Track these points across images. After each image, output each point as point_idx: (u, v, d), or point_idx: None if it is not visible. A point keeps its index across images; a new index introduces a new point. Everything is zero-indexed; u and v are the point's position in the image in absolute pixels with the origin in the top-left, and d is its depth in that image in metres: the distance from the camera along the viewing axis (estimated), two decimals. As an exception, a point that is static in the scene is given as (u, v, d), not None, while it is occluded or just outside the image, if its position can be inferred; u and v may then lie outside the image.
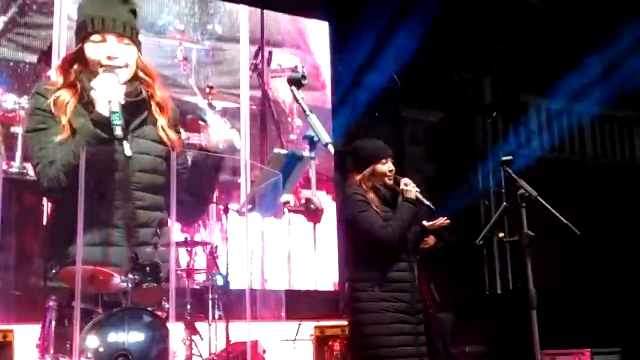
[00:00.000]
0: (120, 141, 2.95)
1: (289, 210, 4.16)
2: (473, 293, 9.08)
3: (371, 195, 3.97)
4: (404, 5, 8.16)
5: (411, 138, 10.02)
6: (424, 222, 6.31)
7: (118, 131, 2.88)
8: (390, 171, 4.04)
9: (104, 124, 2.92)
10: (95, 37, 3.10)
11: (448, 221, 4.15)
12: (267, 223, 7.59)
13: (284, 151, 3.74)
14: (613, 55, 9.13)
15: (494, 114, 10.16)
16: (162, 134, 3.33)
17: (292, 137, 8.27)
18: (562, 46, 9.23)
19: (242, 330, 5.67)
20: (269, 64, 8.28)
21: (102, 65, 3.08)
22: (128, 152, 3.01)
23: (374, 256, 3.91)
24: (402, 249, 3.97)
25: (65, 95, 3.05)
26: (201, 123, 3.48)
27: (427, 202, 3.88)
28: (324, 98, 8.65)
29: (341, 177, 8.73)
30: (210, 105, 7.83)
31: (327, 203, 8.16)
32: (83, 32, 3.12)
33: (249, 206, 4.63)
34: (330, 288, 8.22)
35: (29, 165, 6.46)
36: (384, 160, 4.06)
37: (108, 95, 2.93)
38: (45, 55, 6.96)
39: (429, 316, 6.15)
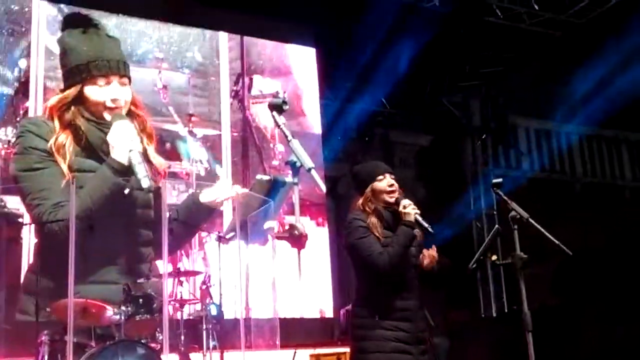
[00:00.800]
0: (148, 191, 2.95)
1: (273, 237, 4.14)
2: (468, 316, 9.05)
3: (373, 220, 3.90)
4: (392, 29, 8.21)
5: (401, 162, 10.04)
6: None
7: (146, 183, 2.87)
8: (390, 186, 3.99)
9: (122, 171, 2.93)
10: (100, 80, 3.11)
11: (434, 252, 4.15)
12: (253, 250, 7.53)
13: (266, 177, 3.73)
14: (599, 75, 9.21)
15: (483, 136, 10.20)
16: (154, 161, 3.33)
17: (275, 163, 8.17)
18: (549, 68, 9.31)
19: (237, 360, 5.63)
20: (249, 90, 8.24)
21: (106, 108, 3.08)
22: (146, 183, 2.97)
23: (375, 283, 3.87)
24: (404, 276, 3.93)
25: (64, 138, 3.04)
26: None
27: (427, 225, 3.83)
28: (309, 123, 8.62)
29: (333, 203, 8.74)
30: (191, 133, 7.76)
31: (311, 229, 8.06)
32: (85, 74, 3.11)
33: (232, 234, 4.60)
34: (317, 315, 8.14)
35: (7, 198, 6.38)
36: (380, 177, 4.01)
37: (128, 144, 2.93)
38: (23, 87, 6.90)
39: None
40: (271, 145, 8.22)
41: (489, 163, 10.18)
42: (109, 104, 3.07)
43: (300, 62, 8.73)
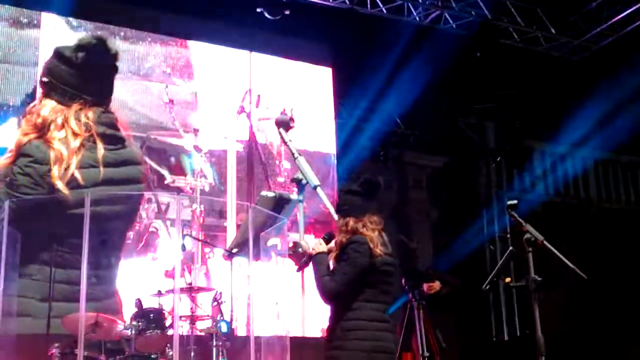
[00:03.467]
0: None
1: (276, 254, 4.15)
2: (480, 339, 8.98)
3: (374, 239, 4.01)
4: (408, 50, 8.23)
5: (415, 182, 10.02)
6: (424, 288, 6.32)
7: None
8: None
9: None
10: (86, 103, 3.12)
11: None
12: (263, 267, 7.53)
13: (271, 194, 3.73)
14: (615, 100, 9.18)
15: (498, 159, 10.17)
16: None
17: (280, 179, 8.15)
18: (565, 91, 9.29)
19: (247, 378, 5.60)
20: (257, 106, 8.23)
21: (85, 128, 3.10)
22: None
23: (352, 295, 3.93)
24: (379, 290, 4.01)
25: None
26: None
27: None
28: (323, 142, 8.61)
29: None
30: (197, 148, 7.76)
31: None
32: (77, 96, 3.11)
33: (236, 250, 4.60)
34: (318, 334, 8.07)
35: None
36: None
37: None
38: (30, 99, 6.86)
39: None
40: (277, 161, 8.23)
41: (503, 186, 10.14)
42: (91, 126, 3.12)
43: (315, 81, 8.74)
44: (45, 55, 6.95)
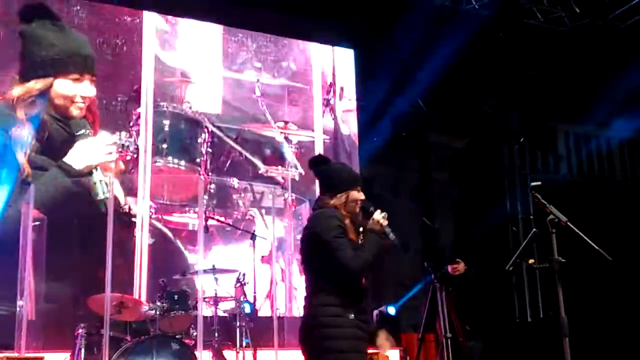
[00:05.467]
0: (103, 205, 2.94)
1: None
2: (503, 321, 8.97)
3: (348, 223, 3.92)
4: (430, 31, 8.18)
5: (437, 164, 9.99)
6: (449, 269, 6.30)
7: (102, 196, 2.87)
8: (361, 200, 4.00)
9: (75, 175, 2.95)
10: (74, 75, 3.11)
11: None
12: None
13: None
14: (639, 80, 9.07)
15: (521, 140, 10.11)
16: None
17: None
18: (588, 72, 9.18)
19: (270, 358, 5.64)
20: (340, 98, 8.59)
21: (73, 103, 3.10)
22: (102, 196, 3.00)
23: (345, 282, 3.86)
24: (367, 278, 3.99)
25: (25, 132, 3.04)
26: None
27: (393, 237, 3.81)
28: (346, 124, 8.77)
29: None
30: (287, 140, 8.11)
31: None
32: (59, 68, 3.10)
33: None
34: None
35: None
36: (359, 188, 4.03)
37: (91, 159, 2.91)
38: (136, 94, 7.24)
39: (459, 344, 6.08)
40: (359, 151, 8.65)
41: (527, 167, 10.08)
42: (78, 100, 3.09)
43: (341, 64, 8.85)
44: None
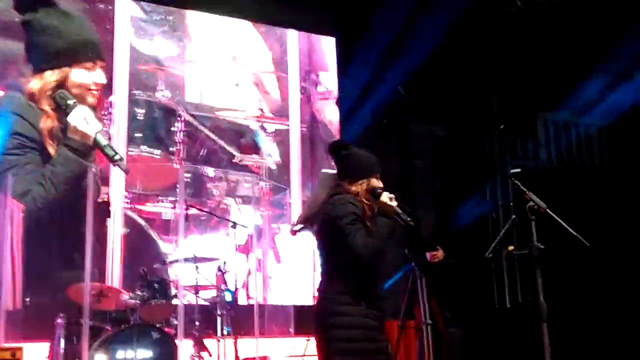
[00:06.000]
0: (125, 169, 2.93)
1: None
2: (482, 307, 9.03)
3: (367, 210, 3.89)
4: (411, 18, 8.18)
5: (418, 152, 10.01)
6: (427, 256, 6.32)
7: (120, 161, 2.89)
8: (381, 188, 3.98)
9: (82, 151, 2.94)
10: (88, 64, 3.10)
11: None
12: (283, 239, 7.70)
13: (332, 171, 3.78)
14: (620, 68, 9.12)
15: (501, 127, 10.14)
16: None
17: None
18: (568, 58, 9.23)
19: (251, 347, 5.65)
20: (316, 86, 8.57)
21: (89, 91, 3.09)
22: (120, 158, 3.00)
23: (357, 269, 3.83)
24: (382, 265, 3.93)
25: (51, 123, 3.04)
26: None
27: (407, 218, 3.80)
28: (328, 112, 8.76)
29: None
30: (262, 128, 8.07)
31: None
32: (74, 57, 3.09)
33: (300, 226, 4.66)
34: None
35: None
36: (378, 175, 4.01)
37: (94, 127, 2.93)
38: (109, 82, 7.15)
39: (439, 331, 6.12)
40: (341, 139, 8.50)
41: (506, 154, 10.13)
42: (93, 87, 3.08)
43: (319, 51, 8.82)
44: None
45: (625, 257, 9.33)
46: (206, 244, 7.15)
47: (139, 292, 4.56)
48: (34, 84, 3.08)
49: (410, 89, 9.42)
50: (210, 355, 5.68)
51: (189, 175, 7.42)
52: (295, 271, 7.78)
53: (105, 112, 6.91)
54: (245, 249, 7.29)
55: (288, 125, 8.30)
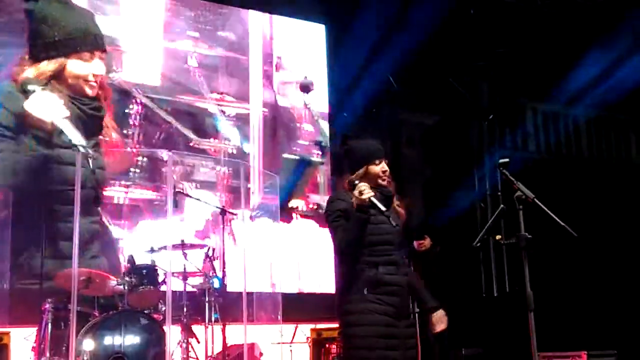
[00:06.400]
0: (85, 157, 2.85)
1: (299, 216, 4.15)
2: (469, 296, 9.08)
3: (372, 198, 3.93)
4: (401, 8, 8.16)
5: (408, 141, 10.02)
6: (414, 245, 6.34)
7: (80, 142, 2.80)
8: (383, 172, 3.98)
9: (45, 139, 2.92)
10: (86, 54, 3.09)
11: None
12: (275, 227, 7.61)
13: (293, 156, 3.76)
14: (609, 58, 9.15)
15: (490, 117, 10.17)
16: (115, 136, 3.31)
17: (302, 142, 8.18)
18: (558, 49, 9.25)
19: (239, 333, 5.66)
20: (278, 70, 8.38)
21: (87, 82, 3.08)
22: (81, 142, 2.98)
23: (358, 258, 3.89)
24: (389, 250, 3.94)
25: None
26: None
27: (382, 207, 3.80)
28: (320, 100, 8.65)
29: (337, 179, 8.74)
30: (222, 112, 7.91)
31: None
32: (71, 48, 3.09)
33: (259, 212, 4.67)
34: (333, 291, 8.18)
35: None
36: (377, 161, 4.00)
37: (53, 112, 2.85)
38: None
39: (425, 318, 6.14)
40: (298, 125, 8.30)
41: (495, 144, 10.16)
42: (91, 78, 3.07)
43: (310, 39, 8.73)
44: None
45: (612, 247, 9.40)
46: (160, 229, 6.93)
47: (127, 279, 4.56)
48: (29, 72, 3.08)
49: (400, 78, 9.42)
50: (199, 342, 5.68)
51: (144, 159, 7.18)
52: (252, 257, 7.66)
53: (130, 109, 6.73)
54: (203, 234, 7.16)
55: (249, 109, 8.12)
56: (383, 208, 3.75)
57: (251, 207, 7.42)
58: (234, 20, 8.21)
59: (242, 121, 8.01)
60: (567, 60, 9.18)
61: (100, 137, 5.89)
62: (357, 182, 3.80)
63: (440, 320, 4.05)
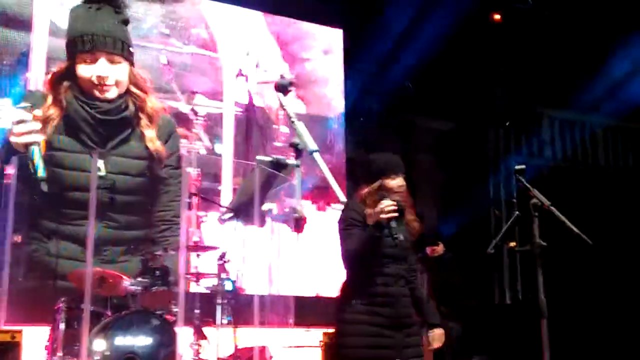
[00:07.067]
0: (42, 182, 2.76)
1: (272, 219, 4.12)
2: (481, 303, 9.04)
3: (370, 211, 3.89)
4: (418, 13, 8.15)
5: (422, 146, 9.99)
6: (427, 251, 6.32)
7: (41, 174, 2.72)
8: (399, 187, 3.97)
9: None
10: (86, 56, 3.07)
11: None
12: (278, 229, 7.55)
13: (267, 158, 3.72)
14: (627, 67, 9.09)
15: (506, 124, 10.13)
16: (150, 145, 3.28)
17: (277, 144, 8.05)
18: (575, 57, 9.20)
19: (250, 336, 5.66)
20: (256, 68, 8.13)
21: (94, 85, 3.07)
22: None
23: (355, 269, 3.89)
24: (386, 263, 3.92)
25: (52, 112, 3.02)
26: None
27: (395, 234, 3.76)
28: (331, 106, 8.56)
29: (351, 185, 8.73)
30: (194, 111, 7.67)
31: (312, 213, 7.88)
32: (73, 50, 3.09)
33: (230, 215, 4.62)
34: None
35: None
36: (393, 176, 3.99)
37: (27, 138, 2.73)
38: (25, 57, 6.79)
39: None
40: (274, 126, 8.11)
41: (511, 151, 10.12)
42: (95, 80, 3.04)
43: (324, 43, 8.67)
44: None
45: (627, 256, 9.33)
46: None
47: (140, 279, 4.56)
48: (50, 74, 3.11)
49: (415, 83, 9.41)
50: (210, 344, 5.68)
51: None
52: (266, 259, 7.58)
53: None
54: (212, 236, 7.08)
55: (221, 109, 7.85)
56: (395, 235, 3.73)
57: (220, 210, 7.29)
58: (208, 18, 7.89)
59: (214, 121, 7.75)
60: (585, 68, 9.13)
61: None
62: (384, 200, 3.75)
63: (436, 339, 4.04)
